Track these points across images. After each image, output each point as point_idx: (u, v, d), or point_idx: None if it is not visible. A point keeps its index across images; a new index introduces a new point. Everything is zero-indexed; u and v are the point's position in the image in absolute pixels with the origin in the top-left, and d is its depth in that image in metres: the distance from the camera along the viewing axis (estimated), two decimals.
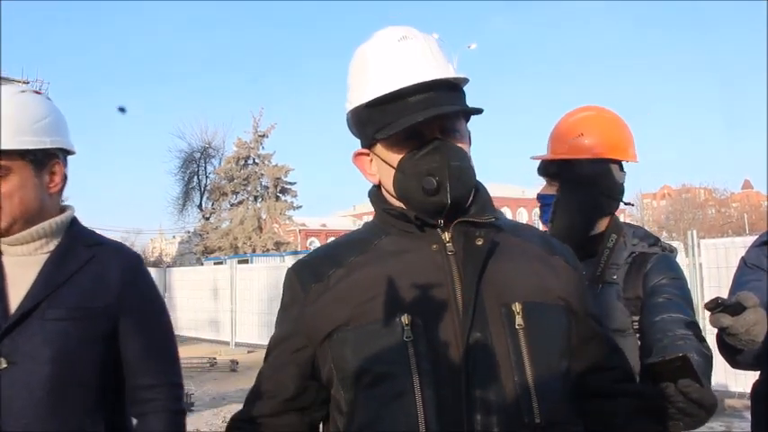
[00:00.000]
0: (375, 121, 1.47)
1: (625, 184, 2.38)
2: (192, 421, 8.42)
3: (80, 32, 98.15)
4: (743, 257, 2.14)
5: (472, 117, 1.52)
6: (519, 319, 1.37)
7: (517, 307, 1.38)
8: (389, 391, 1.33)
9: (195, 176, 40.26)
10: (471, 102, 1.51)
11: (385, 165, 1.50)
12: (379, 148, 1.51)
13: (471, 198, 1.51)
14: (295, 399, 1.48)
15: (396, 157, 1.46)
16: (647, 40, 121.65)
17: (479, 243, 1.42)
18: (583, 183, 2.31)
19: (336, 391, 1.42)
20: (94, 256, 1.89)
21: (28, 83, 41.46)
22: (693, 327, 2.02)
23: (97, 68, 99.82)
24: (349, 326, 1.39)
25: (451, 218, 1.45)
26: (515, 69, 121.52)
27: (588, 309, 1.54)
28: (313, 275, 1.49)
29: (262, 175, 37.34)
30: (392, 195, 1.52)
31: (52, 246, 1.88)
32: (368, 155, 1.56)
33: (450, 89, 1.46)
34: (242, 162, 37.68)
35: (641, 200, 56.42)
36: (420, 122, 1.40)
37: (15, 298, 1.78)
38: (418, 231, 1.46)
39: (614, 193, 2.35)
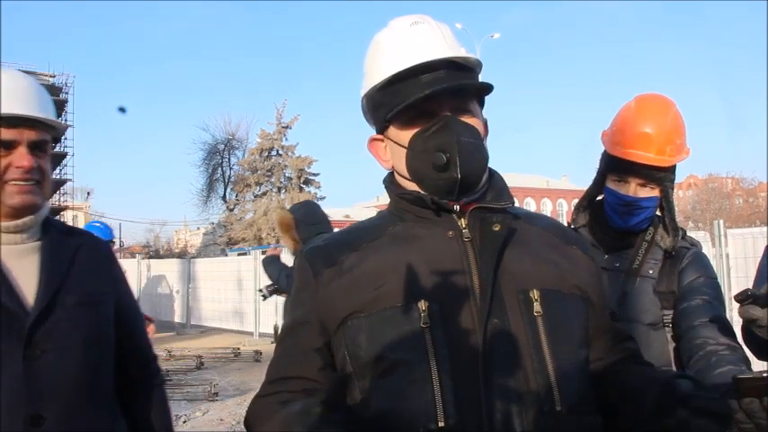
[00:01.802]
0: (387, 103, 1.46)
1: None
2: (216, 411, 8.50)
3: (104, 24, 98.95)
4: (767, 247, 2.11)
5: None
6: (537, 306, 1.35)
7: (535, 294, 1.36)
8: (406, 378, 1.31)
9: (219, 168, 40.62)
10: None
11: (397, 146, 1.49)
12: (391, 130, 1.50)
13: (487, 184, 1.50)
14: (320, 382, 1.44)
15: (407, 137, 1.46)
16: (672, 22, 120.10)
17: (496, 229, 1.40)
18: (673, 183, 2.31)
19: (351, 379, 1.40)
20: (81, 244, 1.87)
21: (54, 76, 42.00)
22: (731, 333, 2.02)
23: (121, 61, 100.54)
24: (363, 312, 1.37)
25: (466, 201, 1.44)
26: (537, 61, 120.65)
27: (605, 301, 1.54)
28: (325, 260, 1.47)
29: (285, 166, 37.56)
30: (405, 178, 1.50)
31: (37, 234, 1.82)
32: (382, 140, 1.55)
33: (461, 69, 1.45)
34: (265, 153, 37.93)
35: None
36: (430, 101, 1.39)
37: (29, 288, 1.73)
38: (434, 217, 1.45)
39: None
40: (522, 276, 1.39)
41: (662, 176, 2.25)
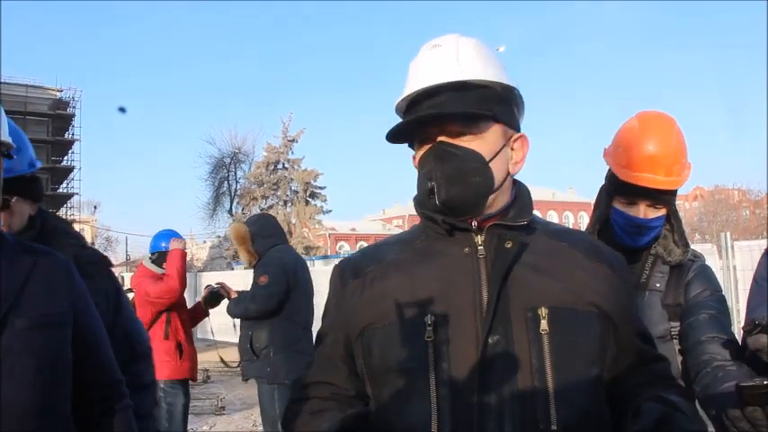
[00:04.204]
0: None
1: None
2: (222, 425, 8.50)
3: (110, 39, 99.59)
4: (755, 276, 2.07)
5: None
6: (544, 324, 1.35)
7: (543, 311, 1.36)
8: (408, 389, 1.36)
9: (225, 181, 40.64)
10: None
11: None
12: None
13: (510, 200, 1.51)
14: (345, 388, 1.52)
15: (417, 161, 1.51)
16: (676, 28, 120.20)
17: (508, 246, 1.42)
18: (676, 199, 2.32)
19: (367, 387, 1.47)
20: (36, 261, 1.75)
21: (62, 91, 42.27)
22: (738, 348, 2.02)
23: (127, 75, 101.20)
24: (378, 324, 1.43)
25: (483, 217, 1.45)
26: (541, 72, 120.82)
27: (632, 320, 1.51)
28: (352, 272, 1.54)
29: (291, 179, 37.63)
30: None
31: None
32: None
33: (460, 91, 1.44)
34: (272, 167, 38.00)
35: None
36: (428, 127, 1.45)
37: None
38: (452, 234, 1.47)
39: None
40: (532, 293, 1.39)
41: (670, 197, 2.27)
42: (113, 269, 2.38)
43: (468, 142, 1.45)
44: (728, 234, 8.78)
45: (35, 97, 40.51)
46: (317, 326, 1.69)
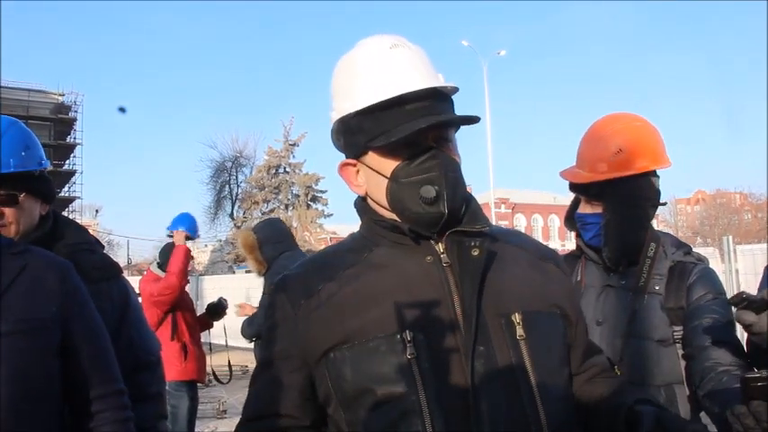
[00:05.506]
0: (367, 130, 1.42)
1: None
2: (224, 428, 8.50)
3: (111, 42, 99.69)
4: (766, 267, 2.08)
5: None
6: (520, 330, 1.36)
7: (517, 317, 1.37)
8: (395, 411, 1.29)
9: (227, 185, 40.57)
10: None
11: (375, 174, 1.45)
12: (369, 157, 1.45)
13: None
14: (298, 418, 1.42)
15: (389, 167, 1.42)
16: (672, 36, 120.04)
17: (476, 254, 1.39)
18: (629, 199, 2.28)
19: (335, 412, 1.38)
20: (27, 264, 1.70)
21: (63, 95, 42.26)
22: (742, 354, 2.02)
23: (129, 79, 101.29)
24: (346, 344, 1.34)
25: (444, 228, 1.42)
26: (541, 75, 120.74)
27: (579, 315, 1.56)
28: (303, 291, 1.43)
29: (293, 183, 37.56)
30: (382, 206, 1.48)
31: None
32: (354, 165, 1.51)
33: (442, 99, 1.44)
34: (273, 171, 37.93)
35: (675, 205, 55.65)
36: (417, 131, 1.36)
37: None
38: (411, 243, 1.43)
39: (657, 201, 2.34)
40: (503, 300, 1.39)
41: (598, 193, 2.30)
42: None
43: (450, 151, 1.45)
44: (730, 238, 8.77)
45: (37, 101, 40.46)
46: None
